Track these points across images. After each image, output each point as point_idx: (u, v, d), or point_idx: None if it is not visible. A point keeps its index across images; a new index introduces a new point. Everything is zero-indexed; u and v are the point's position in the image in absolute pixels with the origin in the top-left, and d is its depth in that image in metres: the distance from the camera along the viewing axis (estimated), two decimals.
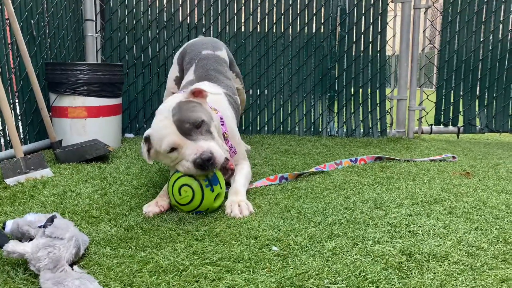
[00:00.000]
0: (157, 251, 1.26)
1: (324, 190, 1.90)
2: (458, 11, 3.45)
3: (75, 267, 1.11)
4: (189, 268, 1.15)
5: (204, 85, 2.03)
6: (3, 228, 1.31)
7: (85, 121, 2.75)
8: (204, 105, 1.71)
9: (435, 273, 1.13)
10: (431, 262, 1.19)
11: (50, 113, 2.79)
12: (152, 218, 1.55)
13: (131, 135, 3.54)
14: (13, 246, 1.13)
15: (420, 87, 3.60)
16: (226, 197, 1.70)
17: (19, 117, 2.70)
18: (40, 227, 1.23)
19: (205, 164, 1.48)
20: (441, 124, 3.61)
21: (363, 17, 3.53)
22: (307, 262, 1.18)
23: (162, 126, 1.57)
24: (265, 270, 1.15)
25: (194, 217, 1.55)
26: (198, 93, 1.70)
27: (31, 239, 1.24)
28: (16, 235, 1.29)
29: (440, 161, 2.54)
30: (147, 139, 1.65)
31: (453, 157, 2.60)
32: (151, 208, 1.59)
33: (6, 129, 2.48)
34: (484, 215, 1.58)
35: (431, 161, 2.54)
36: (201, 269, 1.15)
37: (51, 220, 1.22)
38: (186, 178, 1.55)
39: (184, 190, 1.54)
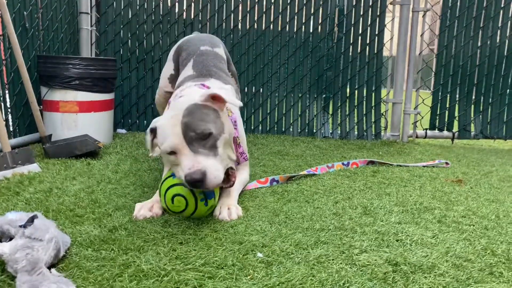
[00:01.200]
0: (140, 255, 1.24)
1: (314, 194, 1.88)
2: (457, 15, 3.44)
3: (53, 270, 1.09)
4: (170, 273, 1.13)
5: (214, 84, 1.88)
6: None
7: (76, 116, 2.72)
8: (220, 113, 1.57)
9: (420, 285, 1.11)
10: (417, 273, 1.18)
11: (41, 106, 2.75)
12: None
13: (123, 131, 3.50)
14: None
15: (416, 90, 3.58)
16: None
17: (9, 110, 2.67)
18: (20, 226, 1.21)
19: (194, 184, 1.40)
20: (436, 129, 3.59)
21: (361, 18, 3.51)
22: (292, 270, 1.16)
23: (170, 124, 1.47)
24: (249, 277, 1.13)
25: (181, 220, 1.52)
26: (218, 99, 1.56)
27: (11, 239, 1.22)
28: None
29: (433, 167, 2.53)
30: (153, 131, 1.57)
31: (446, 163, 2.59)
32: (143, 212, 1.54)
33: None
34: (473, 225, 1.56)
35: (424, 166, 2.52)
36: (183, 275, 1.12)
37: (31, 220, 1.20)
38: (181, 187, 1.48)
39: (178, 200, 1.48)
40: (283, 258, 1.25)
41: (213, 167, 1.42)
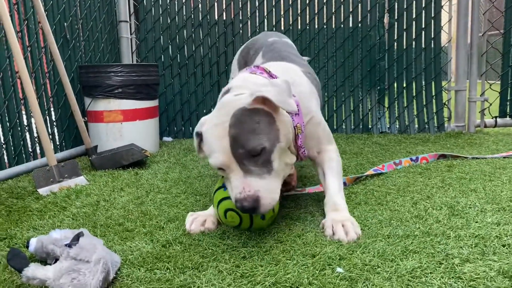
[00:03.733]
0: (199, 273, 1.07)
1: (386, 195, 1.65)
2: None
3: None
4: None
5: (277, 66, 1.53)
6: (27, 246, 1.17)
7: (121, 125, 2.63)
8: (275, 115, 1.25)
9: None
10: None
11: (85, 118, 2.68)
12: None
13: (169, 139, 3.40)
14: (33, 270, 0.97)
15: (481, 75, 3.24)
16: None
17: (55, 123, 2.61)
18: (66, 245, 1.07)
19: (246, 212, 1.19)
20: (508, 116, 3.23)
21: (414, 1, 3.22)
22: None
23: (216, 135, 1.22)
24: None
25: (240, 230, 1.35)
26: (265, 100, 1.23)
27: (57, 260, 1.08)
28: (40, 255, 1.14)
29: None
30: (199, 135, 1.34)
31: None
32: (194, 226, 1.36)
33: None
34: None
35: (504, 157, 2.21)
36: None
37: (77, 238, 1.06)
38: (231, 201, 1.27)
39: (230, 215, 1.29)
40: (368, 273, 1.03)
41: (267, 190, 1.19)
